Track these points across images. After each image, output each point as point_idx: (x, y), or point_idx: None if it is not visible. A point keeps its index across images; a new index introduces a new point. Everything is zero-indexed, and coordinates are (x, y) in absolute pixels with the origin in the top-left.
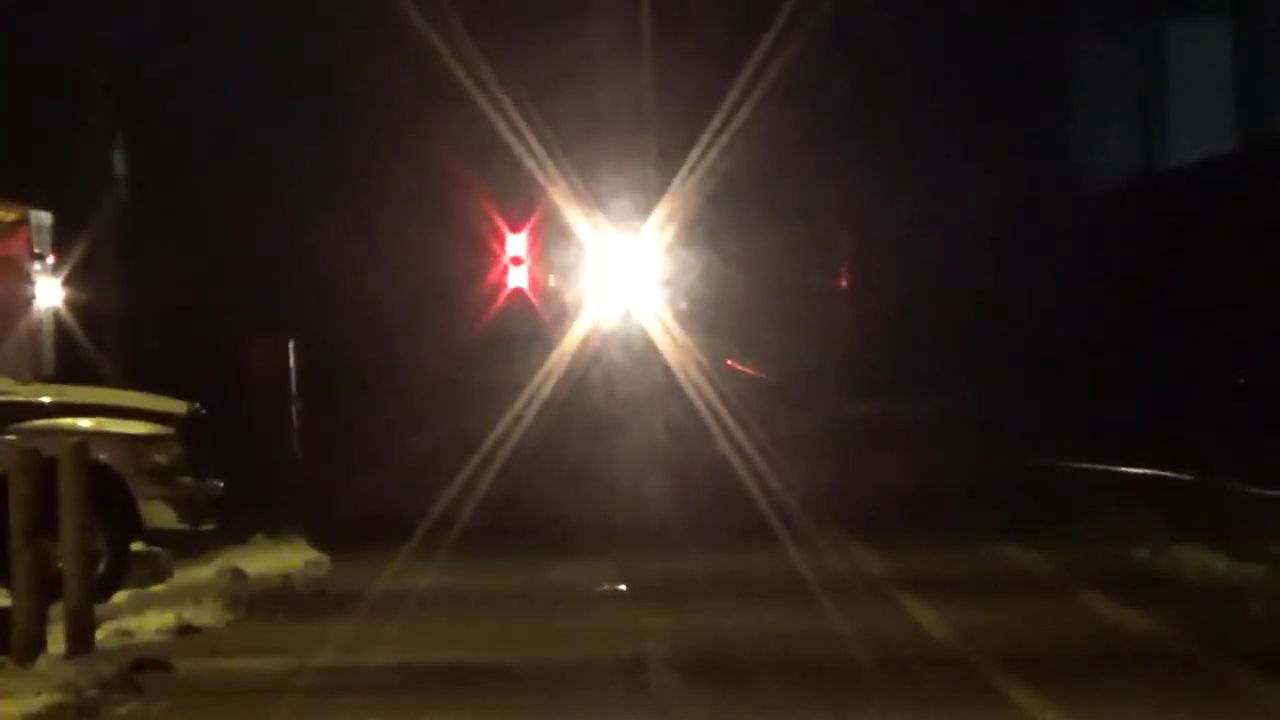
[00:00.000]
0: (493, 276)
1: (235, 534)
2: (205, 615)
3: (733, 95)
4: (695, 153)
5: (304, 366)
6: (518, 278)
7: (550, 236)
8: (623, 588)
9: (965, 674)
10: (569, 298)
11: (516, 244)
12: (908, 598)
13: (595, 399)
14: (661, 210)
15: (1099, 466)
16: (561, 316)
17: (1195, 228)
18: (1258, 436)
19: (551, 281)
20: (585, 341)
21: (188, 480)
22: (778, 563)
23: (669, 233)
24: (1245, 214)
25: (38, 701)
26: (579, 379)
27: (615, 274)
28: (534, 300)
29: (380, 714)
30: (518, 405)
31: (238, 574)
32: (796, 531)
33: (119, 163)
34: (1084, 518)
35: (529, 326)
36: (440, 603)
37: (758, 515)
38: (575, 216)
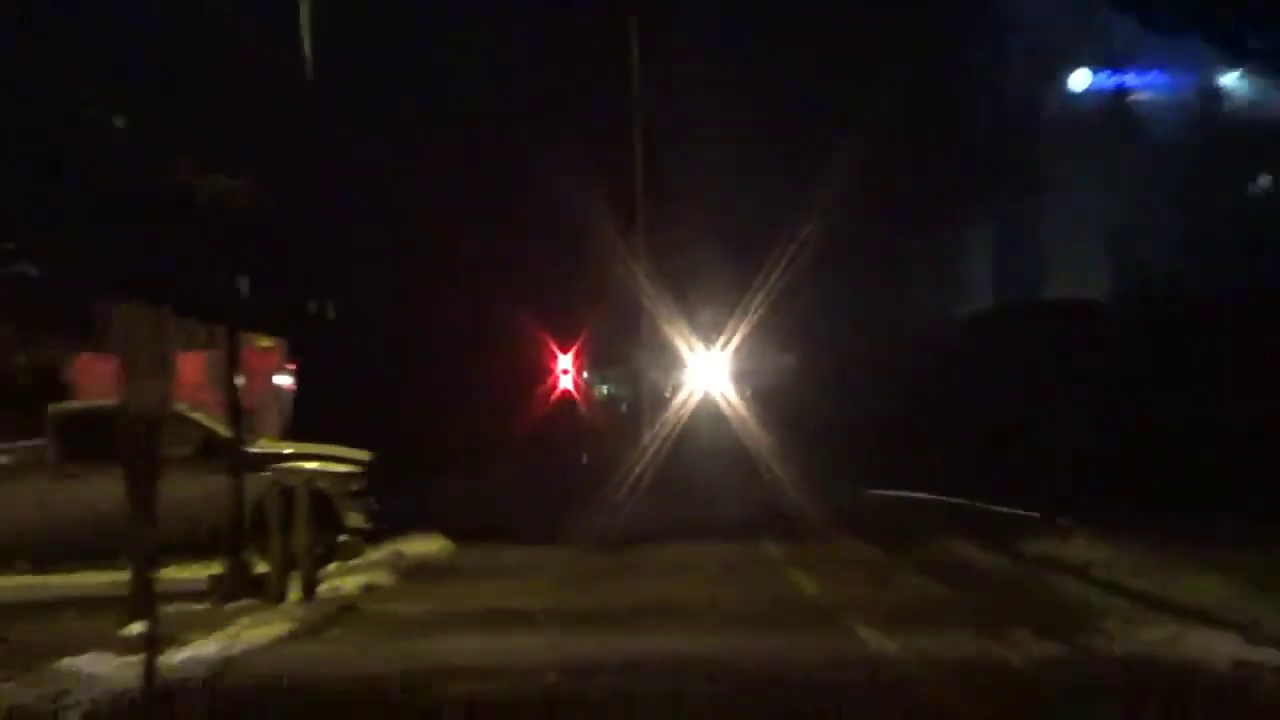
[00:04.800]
0: (549, 382)
1: (398, 531)
2: (381, 579)
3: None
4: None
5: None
6: (565, 383)
7: (591, 354)
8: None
9: (827, 619)
10: (608, 398)
11: (565, 360)
12: (799, 574)
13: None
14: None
15: (936, 497)
16: (599, 411)
17: (1048, 342)
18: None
19: (591, 385)
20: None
21: (369, 499)
22: (794, 543)
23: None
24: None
25: (284, 627)
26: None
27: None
28: (577, 398)
29: (482, 634)
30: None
31: (400, 554)
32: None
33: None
34: (910, 526)
35: (573, 417)
36: (521, 572)
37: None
38: (613, 342)
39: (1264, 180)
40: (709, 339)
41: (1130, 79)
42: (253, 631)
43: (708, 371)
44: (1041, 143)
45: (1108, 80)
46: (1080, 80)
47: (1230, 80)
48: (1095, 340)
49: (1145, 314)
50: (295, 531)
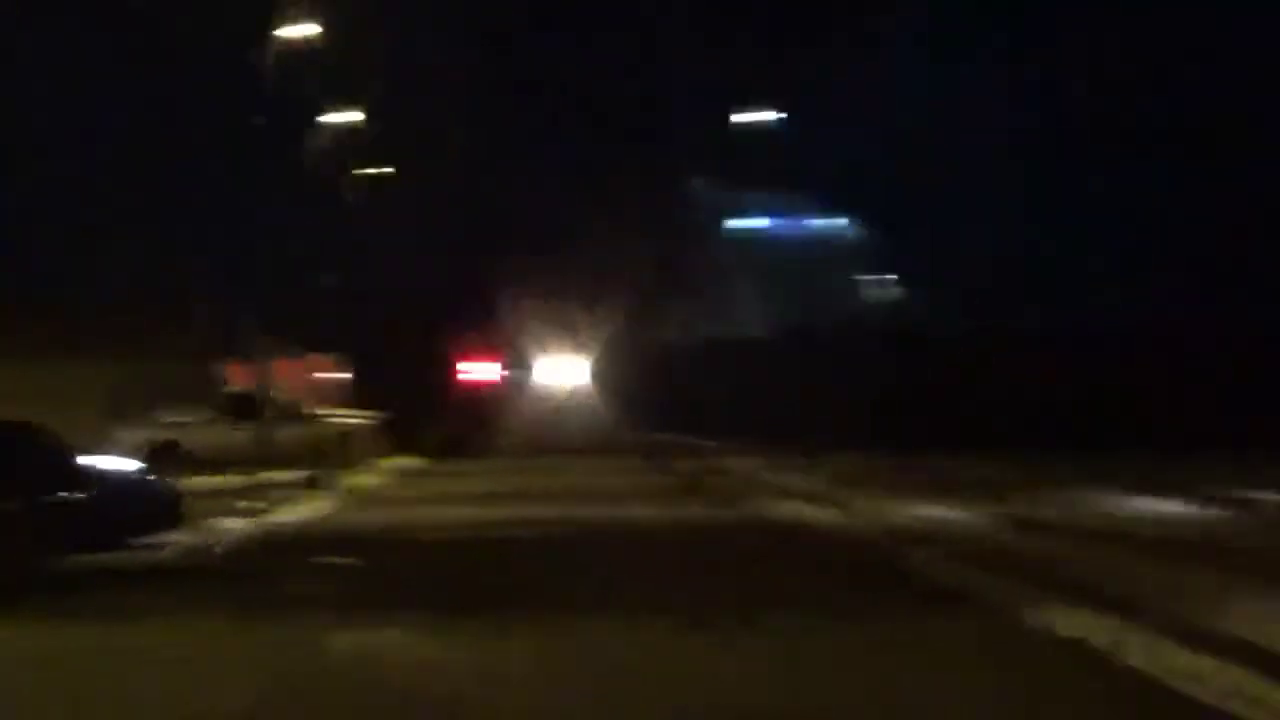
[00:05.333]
0: (483, 377)
1: (396, 453)
2: (387, 479)
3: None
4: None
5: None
6: (492, 376)
7: (508, 360)
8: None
9: (617, 499)
10: (515, 387)
11: (494, 365)
12: (607, 475)
13: (536, 419)
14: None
15: (676, 436)
16: (509, 394)
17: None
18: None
19: (506, 377)
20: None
21: (381, 437)
22: (606, 458)
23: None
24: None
25: (335, 504)
26: (521, 416)
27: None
28: (500, 385)
29: (440, 506)
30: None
31: (397, 466)
32: (610, 449)
33: None
34: (661, 450)
35: (498, 395)
36: (464, 475)
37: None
38: (521, 353)
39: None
40: (577, 349)
41: (763, 221)
42: (318, 506)
43: (575, 369)
44: (716, 256)
45: (750, 221)
46: (741, 222)
47: (827, 221)
48: (756, 358)
49: (777, 344)
50: (342, 453)
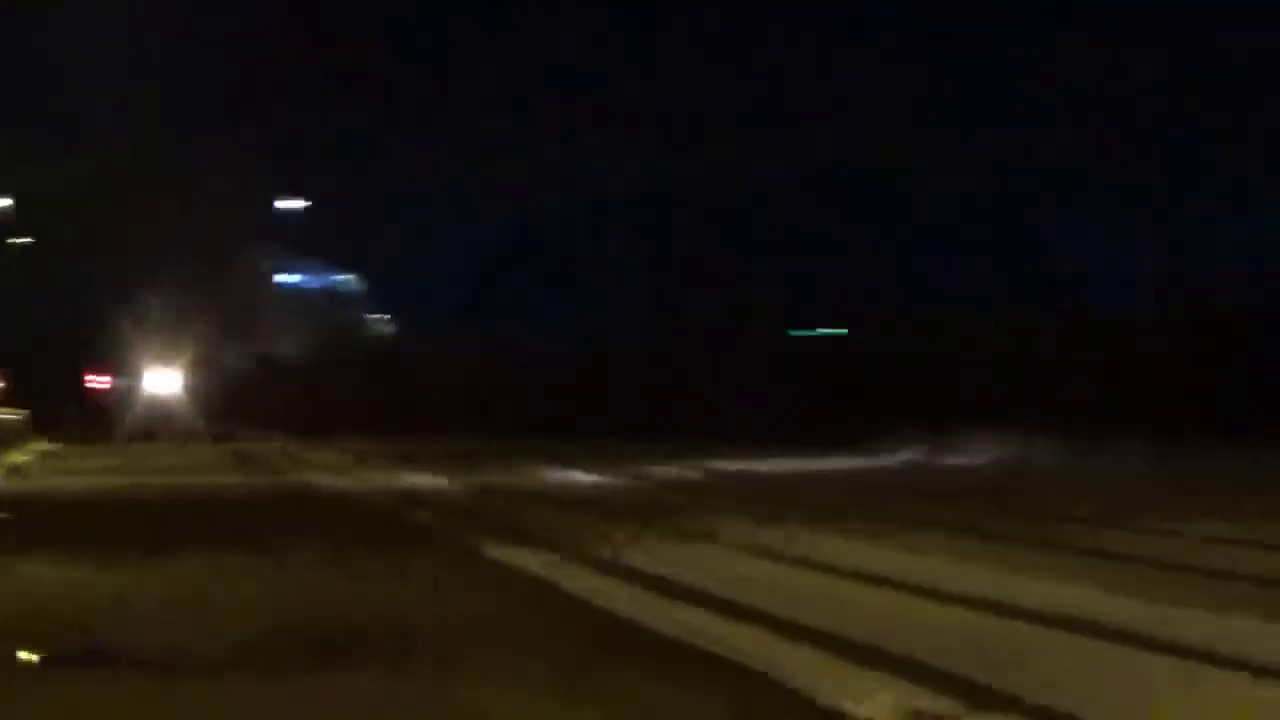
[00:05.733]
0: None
1: (38, 439)
2: (32, 459)
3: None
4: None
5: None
6: (101, 384)
7: (122, 371)
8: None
9: (205, 471)
10: (127, 392)
11: (104, 377)
12: (206, 455)
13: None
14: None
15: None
16: (124, 397)
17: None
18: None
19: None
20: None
21: (27, 429)
22: (195, 445)
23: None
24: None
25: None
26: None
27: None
28: (110, 392)
29: (77, 477)
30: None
31: (39, 449)
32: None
33: None
34: (241, 437)
35: (106, 399)
36: (95, 454)
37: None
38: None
39: None
40: (174, 364)
41: (298, 276)
42: None
43: (172, 379)
44: (267, 301)
45: (292, 277)
46: (283, 277)
47: (342, 277)
48: (293, 373)
49: (307, 363)
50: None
